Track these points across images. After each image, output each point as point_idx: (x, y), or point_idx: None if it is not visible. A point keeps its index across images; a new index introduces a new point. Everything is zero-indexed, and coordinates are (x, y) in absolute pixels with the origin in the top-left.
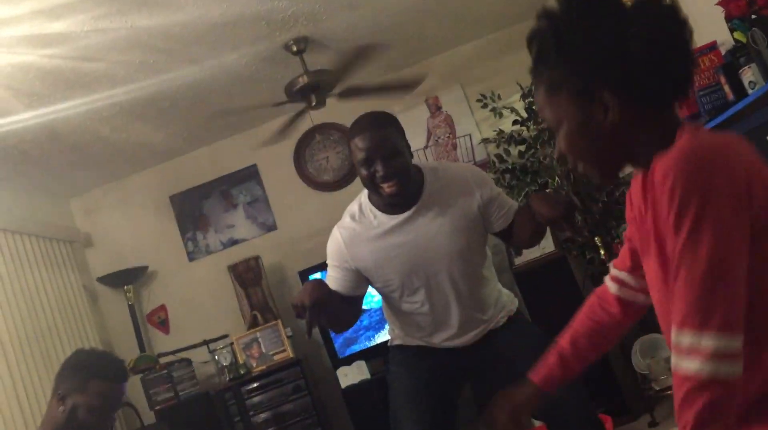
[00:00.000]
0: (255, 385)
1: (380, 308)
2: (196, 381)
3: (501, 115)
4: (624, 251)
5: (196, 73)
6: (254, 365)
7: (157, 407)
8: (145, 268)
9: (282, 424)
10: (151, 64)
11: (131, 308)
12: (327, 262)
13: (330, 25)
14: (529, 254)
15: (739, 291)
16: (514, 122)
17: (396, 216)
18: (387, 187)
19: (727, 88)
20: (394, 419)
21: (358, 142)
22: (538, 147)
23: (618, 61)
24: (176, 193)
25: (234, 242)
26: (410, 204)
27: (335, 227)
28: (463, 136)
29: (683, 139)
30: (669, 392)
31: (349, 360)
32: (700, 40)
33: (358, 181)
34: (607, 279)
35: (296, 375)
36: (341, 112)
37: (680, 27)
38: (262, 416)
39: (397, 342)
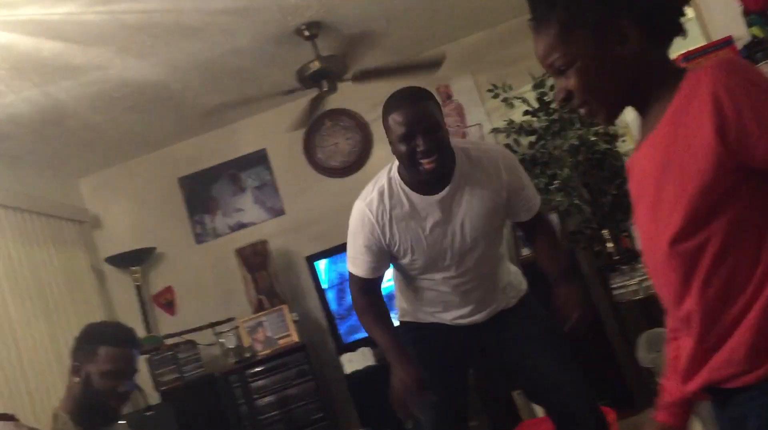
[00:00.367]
0: (260, 368)
1: (386, 296)
2: (201, 363)
3: (512, 105)
4: None
5: (207, 57)
6: (259, 348)
7: (163, 388)
8: (153, 249)
9: (286, 408)
10: (162, 47)
11: (138, 289)
12: (351, 243)
13: (342, 10)
14: None
15: None
16: (525, 113)
17: (428, 197)
18: (427, 164)
19: None
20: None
21: (397, 117)
22: (549, 138)
23: None
24: (185, 176)
25: (242, 226)
26: (443, 184)
27: (360, 204)
28: (474, 125)
29: (707, 63)
30: None
31: (353, 346)
32: (715, 34)
33: (367, 167)
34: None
35: (301, 360)
36: (352, 98)
37: None
38: (266, 399)
39: (407, 318)
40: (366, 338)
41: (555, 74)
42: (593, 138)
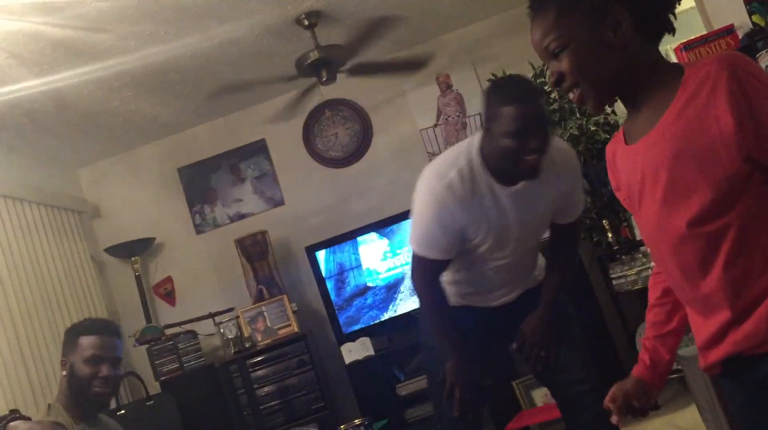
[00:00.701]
0: (259, 358)
1: (385, 286)
2: (201, 353)
3: None
4: None
5: (207, 46)
6: (259, 338)
7: (163, 378)
8: (153, 239)
9: (285, 397)
10: (161, 36)
11: (138, 279)
12: (425, 224)
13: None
14: None
15: None
16: None
17: (508, 187)
18: (531, 160)
19: None
20: (437, 389)
21: (514, 111)
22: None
23: None
24: (184, 166)
25: (241, 217)
26: (520, 178)
27: (438, 185)
28: (474, 115)
29: (712, 56)
30: (672, 375)
31: (353, 336)
32: (717, 22)
33: (366, 157)
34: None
35: (301, 350)
36: (352, 88)
37: None
38: (266, 389)
39: None
40: (365, 328)
41: (549, 58)
42: (593, 128)
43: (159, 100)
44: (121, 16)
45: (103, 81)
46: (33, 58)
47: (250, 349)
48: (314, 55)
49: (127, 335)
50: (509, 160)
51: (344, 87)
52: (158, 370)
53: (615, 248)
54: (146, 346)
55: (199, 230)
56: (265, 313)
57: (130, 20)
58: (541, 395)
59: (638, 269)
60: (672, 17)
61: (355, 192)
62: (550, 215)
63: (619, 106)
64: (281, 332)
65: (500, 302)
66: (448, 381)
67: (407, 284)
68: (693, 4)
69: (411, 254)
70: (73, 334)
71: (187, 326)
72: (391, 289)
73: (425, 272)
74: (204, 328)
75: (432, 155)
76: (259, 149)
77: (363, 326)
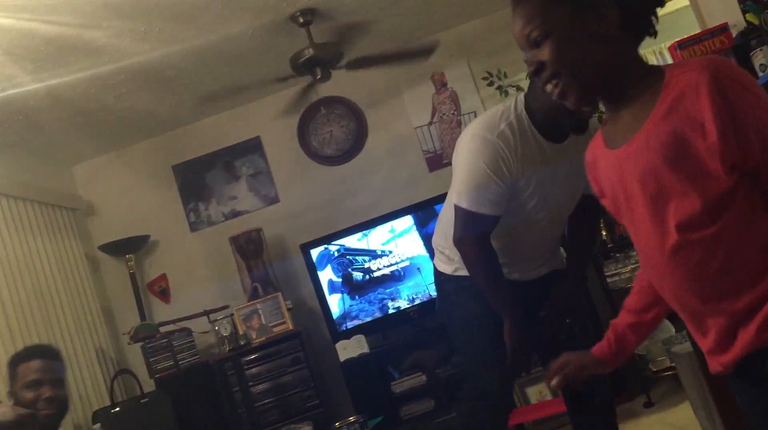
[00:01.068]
0: (254, 356)
1: (381, 283)
2: (196, 351)
3: (507, 93)
4: None
5: (202, 43)
6: (254, 336)
7: (157, 376)
8: (147, 237)
9: (280, 395)
10: (156, 33)
11: (132, 276)
12: (477, 179)
13: None
14: None
15: None
16: None
17: (554, 144)
18: (584, 112)
19: None
20: (475, 360)
21: None
22: None
23: None
24: (179, 164)
25: (236, 214)
26: (566, 135)
27: (490, 136)
28: (468, 113)
29: (695, 60)
30: (665, 373)
31: (348, 334)
32: (711, 21)
33: (361, 155)
34: None
35: (295, 347)
36: (346, 85)
37: None
38: (261, 386)
39: (464, 272)
40: (361, 325)
41: (530, 47)
42: None
43: (153, 98)
44: (115, 13)
45: (98, 78)
46: (27, 55)
47: (245, 346)
48: (309, 53)
49: (121, 332)
50: (561, 111)
51: (339, 85)
52: (153, 367)
53: (609, 245)
54: (141, 343)
55: (193, 227)
56: (259, 310)
57: (125, 17)
58: (535, 393)
59: (632, 266)
60: (654, 20)
61: (350, 190)
62: (584, 182)
63: None
64: (276, 329)
65: (532, 275)
66: (509, 345)
67: (402, 280)
68: (687, 2)
69: (455, 216)
70: (12, 365)
71: (182, 324)
72: (387, 285)
73: (476, 229)
74: (199, 325)
75: (427, 153)
76: (253, 147)
77: (358, 323)
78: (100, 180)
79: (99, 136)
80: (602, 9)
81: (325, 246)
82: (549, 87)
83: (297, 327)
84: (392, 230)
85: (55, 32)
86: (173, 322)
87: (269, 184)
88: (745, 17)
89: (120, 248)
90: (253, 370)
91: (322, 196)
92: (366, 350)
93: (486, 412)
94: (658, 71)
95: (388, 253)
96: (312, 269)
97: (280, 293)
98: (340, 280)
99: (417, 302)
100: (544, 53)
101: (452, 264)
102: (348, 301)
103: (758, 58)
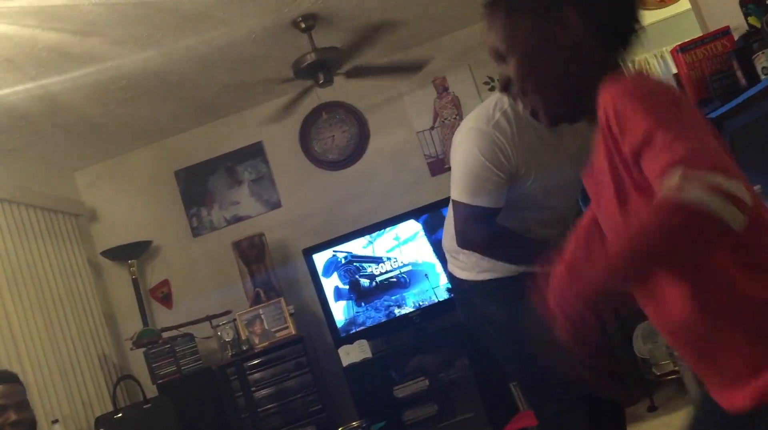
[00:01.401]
0: (257, 361)
1: (384, 288)
2: (199, 356)
3: None
4: None
5: (204, 49)
6: (257, 341)
7: (160, 381)
8: (149, 243)
9: (283, 400)
10: (157, 39)
11: (135, 282)
12: (473, 171)
13: (338, 2)
14: None
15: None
16: None
17: (553, 128)
18: None
19: (739, 73)
20: (538, 366)
21: None
22: None
23: None
24: (181, 169)
25: (238, 219)
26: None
27: (485, 128)
28: None
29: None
30: (669, 377)
31: (350, 339)
32: (713, 24)
33: (363, 160)
34: None
35: (298, 352)
36: (348, 90)
37: None
38: (264, 392)
39: (488, 276)
40: (363, 330)
41: (498, 61)
42: None
43: (155, 103)
44: (116, 19)
45: (99, 84)
46: (28, 61)
47: (248, 352)
48: (311, 58)
49: (124, 338)
50: None
51: (341, 90)
52: (155, 373)
53: None
54: (143, 349)
55: (195, 232)
56: (262, 315)
57: (126, 24)
58: None
59: None
60: (636, 30)
61: (352, 195)
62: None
63: None
64: (278, 334)
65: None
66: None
67: (408, 287)
68: (689, 5)
69: (454, 212)
70: None
71: (185, 329)
72: (393, 292)
73: (477, 220)
74: (201, 331)
75: (429, 157)
76: (255, 152)
77: (360, 328)
78: (103, 186)
79: (101, 142)
80: (567, 19)
81: (333, 253)
82: (519, 105)
83: (300, 332)
84: (397, 238)
85: (56, 39)
86: (176, 327)
87: (271, 189)
88: (747, 20)
89: (122, 254)
90: (256, 375)
91: (324, 201)
92: (369, 354)
93: (576, 418)
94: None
95: (393, 259)
96: (314, 273)
97: (282, 298)
98: (347, 286)
99: (421, 306)
100: (510, 68)
101: (472, 269)
102: (354, 308)
103: (761, 61)
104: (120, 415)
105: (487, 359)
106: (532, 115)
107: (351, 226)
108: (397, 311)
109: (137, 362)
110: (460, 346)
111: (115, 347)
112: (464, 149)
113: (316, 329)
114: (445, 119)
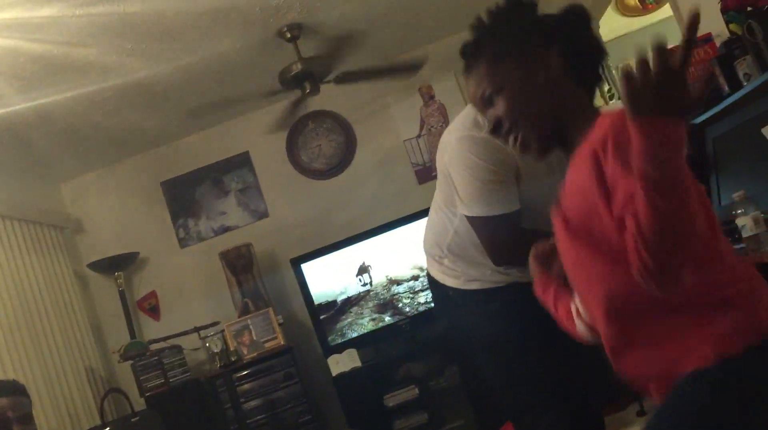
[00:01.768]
0: (246, 372)
1: (372, 297)
2: (187, 368)
3: None
4: None
5: (189, 59)
6: (245, 352)
7: (148, 394)
8: (136, 254)
9: (273, 411)
10: (142, 50)
11: (122, 294)
12: (484, 181)
13: (324, 11)
14: None
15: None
16: None
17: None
18: None
19: (721, 80)
20: (528, 376)
21: None
22: None
23: (560, 25)
24: (168, 180)
25: (226, 230)
26: None
27: (477, 134)
28: None
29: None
30: None
31: (340, 348)
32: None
33: (350, 169)
34: None
35: (287, 363)
36: (335, 99)
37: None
38: (253, 403)
39: (475, 286)
40: (352, 339)
41: (486, 107)
42: None
43: (141, 114)
44: (101, 31)
45: (85, 95)
46: (13, 72)
47: (236, 363)
48: (297, 68)
49: (111, 350)
50: None
51: (327, 99)
52: (143, 386)
53: None
54: (131, 362)
55: (183, 243)
56: (250, 326)
57: (111, 35)
58: None
59: None
60: (600, 70)
61: (340, 203)
62: None
63: None
64: (267, 345)
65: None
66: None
67: (394, 294)
68: (671, 13)
69: (475, 230)
70: None
71: (172, 341)
72: (378, 300)
73: (503, 227)
74: (189, 342)
75: (416, 165)
76: (242, 162)
77: (351, 336)
78: (89, 197)
79: (87, 153)
80: (547, 60)
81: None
82: (510, 142)
83: (288, 342)
84: (385, 244)
85: (41, 50)
86: (163, 339)
87: (258, 198)
88: (728, 27)
89: (109, 266)
90: (245, 386)
91: (312, 210)
92: (358, 364)
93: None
94: (595, 116)
95: (381, 267)
96: (303, 283)
97: (270, 308)
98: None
99: (409, 315)
100: (499, 108)
101: (459, 277)
102: (341, 317)
103: (742, 67)
104: (108, 429)
105: (477, 367)
106: (522, 150)
107: (339, 235)
108: (386, 320)
109: (125, 374)
110: (449, 354)
111: (102, 359)
112: (461, 162)
113: (305, 339)
114: (432, 127)
